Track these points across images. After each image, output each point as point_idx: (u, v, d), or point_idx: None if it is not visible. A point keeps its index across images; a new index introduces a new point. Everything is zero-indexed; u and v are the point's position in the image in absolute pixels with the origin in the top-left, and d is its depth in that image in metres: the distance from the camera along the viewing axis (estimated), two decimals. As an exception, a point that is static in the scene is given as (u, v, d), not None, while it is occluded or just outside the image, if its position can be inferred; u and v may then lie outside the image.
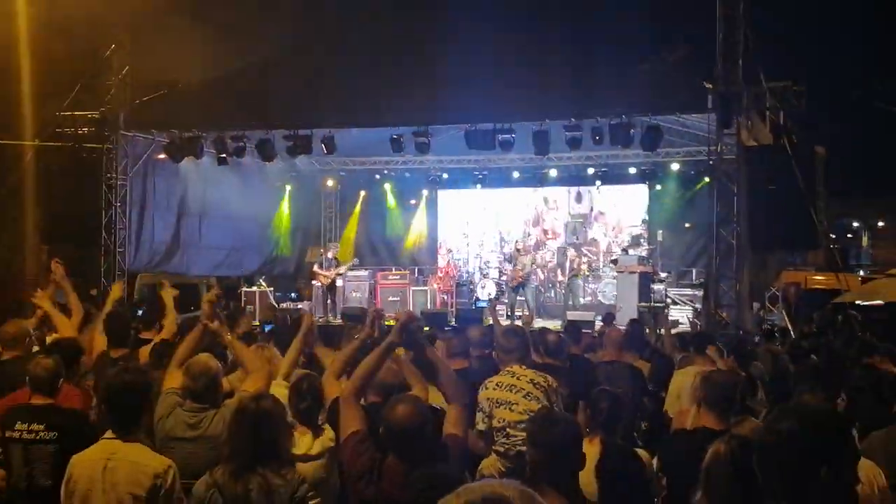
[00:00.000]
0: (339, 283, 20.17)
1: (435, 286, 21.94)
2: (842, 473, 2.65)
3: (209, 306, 6.19)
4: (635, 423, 6.83)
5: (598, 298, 21.32)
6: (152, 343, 7.04)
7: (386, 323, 7.47)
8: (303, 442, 5.10)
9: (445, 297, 21.03)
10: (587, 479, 4.17)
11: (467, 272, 23.29)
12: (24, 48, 21.11)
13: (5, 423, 5.37)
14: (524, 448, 3.95)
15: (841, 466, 2.66)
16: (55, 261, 8.58)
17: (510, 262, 21.00)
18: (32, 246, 21.04)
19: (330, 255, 20.89)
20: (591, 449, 4.52)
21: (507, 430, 5.61)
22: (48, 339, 7.56)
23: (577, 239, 22.48)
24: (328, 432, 5.29)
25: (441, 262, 24.02)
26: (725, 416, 5.02)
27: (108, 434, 4.63)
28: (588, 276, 22.04)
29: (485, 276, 22.83)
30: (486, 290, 21.76)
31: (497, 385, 5.91)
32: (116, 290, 8.89)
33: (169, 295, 7.77)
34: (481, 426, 5.76)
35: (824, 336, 12.31)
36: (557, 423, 3.87)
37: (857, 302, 20.10)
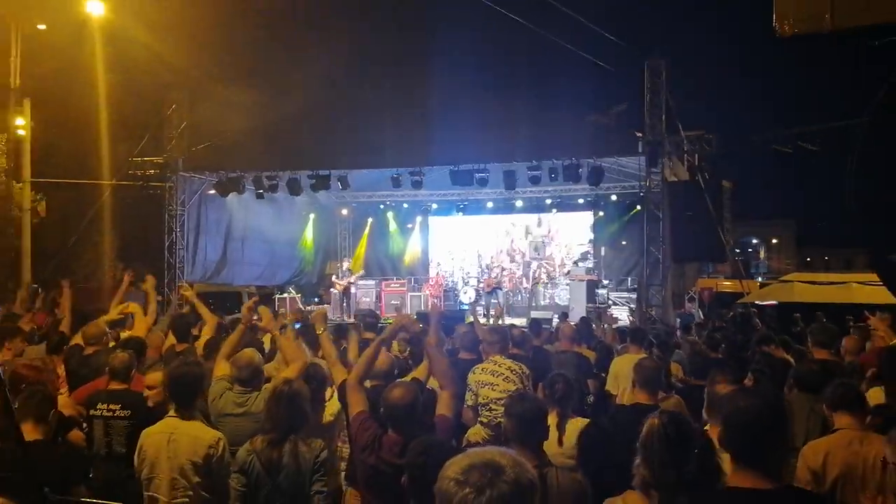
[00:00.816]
0: (352, 289, 20.24)
1: (427, 292, 21.99)
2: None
3: (248, 311, 6.22)
4: (583, 400, 6.85)
5: (555, 301, 21.40)
6: (205, 339, 7.00)
7: (387, 321, 7.56)
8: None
9: (436, 301, 21.10)
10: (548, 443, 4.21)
11: (452, 281, 23.40)
12: (103, 107, 21.06)
13: (89, 403, 5.41)
14: (503, 419, 3.98)
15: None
16: (150, 275, 8.55)
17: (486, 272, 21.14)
18: (109, 263, 20.99)
19: (345, 266, 20.98)
20: (551, 421, 4.56)
21: (490, 405, 5.64)
22: (122, 336, 7.54)
23: (538, 255, 22.57)
24: (329, 408, 5.34)
25: (432, 273, 24.05)
26: (654, 393, 5.10)
27: (171, 413, 4.66)
28: (547, 283, 22.19)
29: (466, 283, 22.95)
30: (467, 295, 21.92)
31: (482, 370, 5.97)
32: (187, 290, 8.62)
33: (193, 296, 7.89)
34: (470, 402, 5.77)
35: (731, 329, 12.37)
36: (528, 401, 3.93)
37: (755, 302, 20.21)
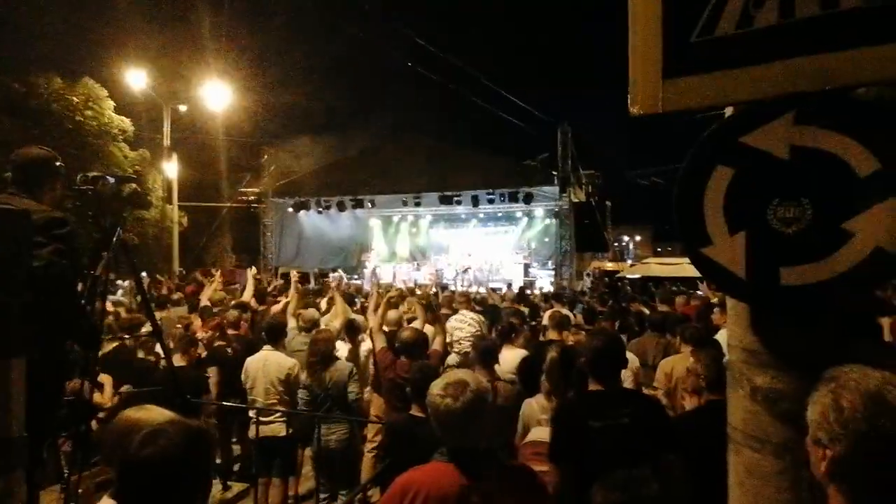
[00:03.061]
0: (377, 269, 20.08)
1: (426, 271, 21.38)
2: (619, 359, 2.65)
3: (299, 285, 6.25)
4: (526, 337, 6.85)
5: (503, 276, 21.02)
6: (282, 303, 6.82)
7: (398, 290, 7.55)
8: (343, 349, 5.07)
9: (432, 276, 20.80)
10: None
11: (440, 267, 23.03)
12: (222, 157, 20.94)
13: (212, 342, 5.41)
14: (469, 350, 3.99)
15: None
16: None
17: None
18: (226, 259, 20.95)
19: (372, 256, 21.09)
20: (507, 352, 4.52)
21: (462, 341, 5.66)
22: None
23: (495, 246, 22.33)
24: (357, 347, 5.22)
25: (429, 262, 23.49)
26: (560, 332, 5.08)
27: (266, 347, 4.65)
28: (499, 267, 21.79)
29: (449, 266, 22.52)
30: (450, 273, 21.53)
31: (455, 319, 5.97)
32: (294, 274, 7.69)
33: (294, 278, 7.61)
34: (447, 339, 5.80)
35: (611, 293, 12.44)
36: (485, 339, 3.96)
37: (626, 276, 20.34)
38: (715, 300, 6.61)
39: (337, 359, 4.38)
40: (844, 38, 1.23)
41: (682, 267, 17.40)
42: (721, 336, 4.65)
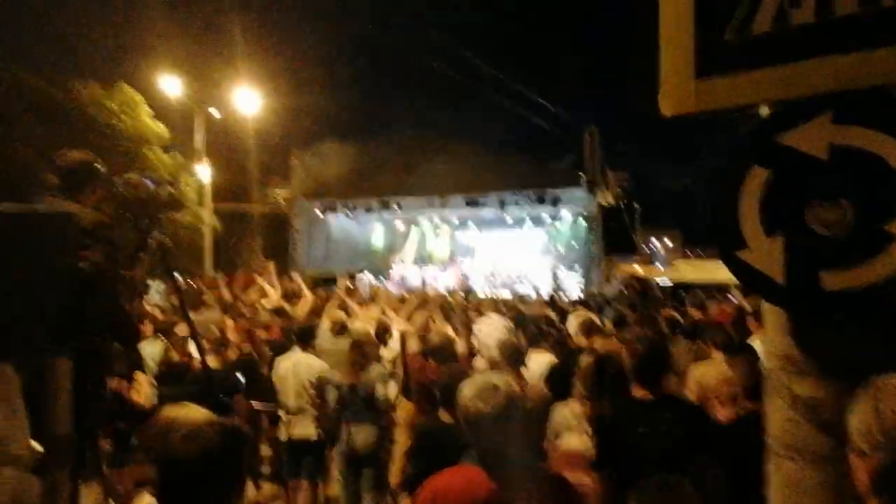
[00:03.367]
0: (404, 272, 20.16)
1: (453, 274, 21.40)
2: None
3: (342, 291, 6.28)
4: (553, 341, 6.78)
5: (534, 281, 20.77)
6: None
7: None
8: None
9: (459, 279, 20.75)
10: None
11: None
12: (253, 161, 21.33)
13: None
14: (495, 354, 3.99)
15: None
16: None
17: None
18: (257, 260, 21.33)
19: (399, 259, 21.20)
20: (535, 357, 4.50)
21: (488, 346, 5.62)
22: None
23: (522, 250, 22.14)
24: (388, 351, 5.24)
25: (454, 265, 23.38)
26: (589, 337, 5.03)
27: (295, 347, 4.71)
28: (526, 271, 21.52)
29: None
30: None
31: (482, 322, 5.93)
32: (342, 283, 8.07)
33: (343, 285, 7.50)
34: (474, 342, 5.78)
35: (641, 298, 12.25)
36: (511, 342, 3.95)
37: (656, 280, 20.00)
38: (748, 307, 6.46)
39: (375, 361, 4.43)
40: (884, 36, 1.20)
41: (714, 271, 17.03)
42: (755, 343, 4.54)
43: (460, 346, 4.30)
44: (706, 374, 4.00)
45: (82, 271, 2.08)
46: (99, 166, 2.62)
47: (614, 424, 2.43)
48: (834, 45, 1.25)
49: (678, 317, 7.32)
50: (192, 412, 1.61)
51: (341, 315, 5.35)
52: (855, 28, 1.23)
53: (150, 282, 8.77)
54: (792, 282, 1.29)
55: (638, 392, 2.52)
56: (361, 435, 4.21)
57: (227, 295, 7.18)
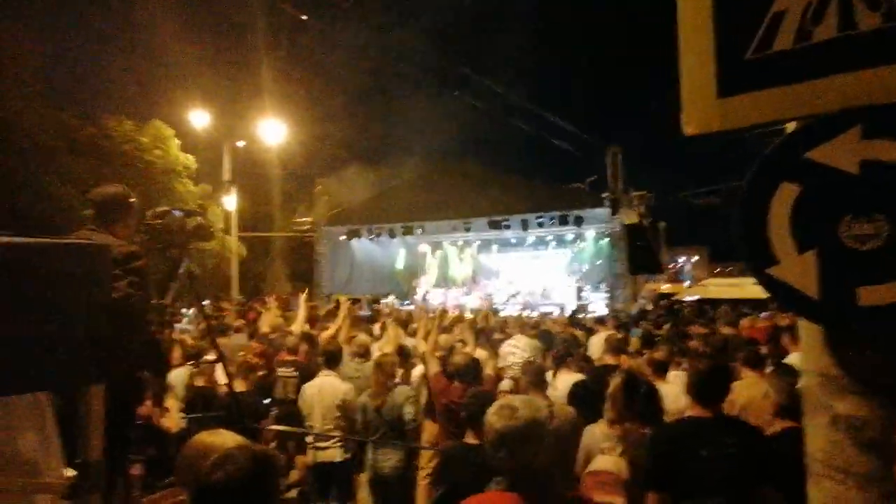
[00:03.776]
0: (427, 295, 20.13)
1: (477, 295, 21.30)
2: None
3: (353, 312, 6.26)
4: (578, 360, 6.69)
5: (555, 299, 20.54)
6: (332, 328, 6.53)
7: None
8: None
9: (484, 300, 20.62)
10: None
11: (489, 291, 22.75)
12: (277, 189, 21.69)
13: (275, 366, 5.49)
14: (520, 377, 3.95)
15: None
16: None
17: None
18: (280, 286, 21.60)
19: (422, 282, 21.23)
20: (563, 377, 4.43)
21: (513, 366, 5.59)
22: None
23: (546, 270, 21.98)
24: (413, 372, 5.20)
25: (478, 287, 23.26)
26: (617, 356, 4.96)
27: (324, 372, 4.71)
28: (550, 291, 21.28)
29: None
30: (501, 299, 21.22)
31: (507, 344, 5.91)
32: (344, 300, 7.53)
33: (344, 303, 7.28)
34: (500, 364, 5.73)
35: (669, 315, 12.04)
36: (535, 366, 3.90)
37: (684, 298, 19.67)
38: (781, 322, 6.30)
39: (397, 384, 4.41)
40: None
41: (742, 288, 16.67)
42: (793, 360, 4.41)
43: (488, 368, 4.25)
44: (739, 392, 3.91)
45: (115, 302, 2.12)
46: (131, 199, 2.71)
47: (674, 445, 2.34)
48: (858, 59, 1.23)
49: (706, 333, 7.18)
50: (225, 438, 1.62)
51: (364, 339, 5.35)
52: (879, 42, 1.21)
53: (183, 310, 8.96)
54: (827, 297, 1.25)
55: (695, 412, 2.44)
56: (388, 458, 4.17)
57: (265, 319, 7.20)
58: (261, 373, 5.36)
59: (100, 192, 2.66)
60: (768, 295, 1.38)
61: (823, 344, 1.35)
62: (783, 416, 2.64)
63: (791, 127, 1.41)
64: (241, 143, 19.62)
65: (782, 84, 1.32)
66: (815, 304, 1.27)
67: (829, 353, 1.34)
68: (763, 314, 8.85)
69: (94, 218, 2.60)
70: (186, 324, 7.85)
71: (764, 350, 5.30)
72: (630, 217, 16.42)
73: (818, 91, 1.28)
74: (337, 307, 7.23)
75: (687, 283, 29.58)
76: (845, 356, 1.31)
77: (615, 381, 2.94)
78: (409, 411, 4.21)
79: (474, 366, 4.05)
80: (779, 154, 1.34)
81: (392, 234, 18.71)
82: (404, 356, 5.25)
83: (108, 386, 1.49)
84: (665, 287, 24.64)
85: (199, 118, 17.98)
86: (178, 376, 5.06)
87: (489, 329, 6.77)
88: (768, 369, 4.05)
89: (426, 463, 4.59)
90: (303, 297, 7.48)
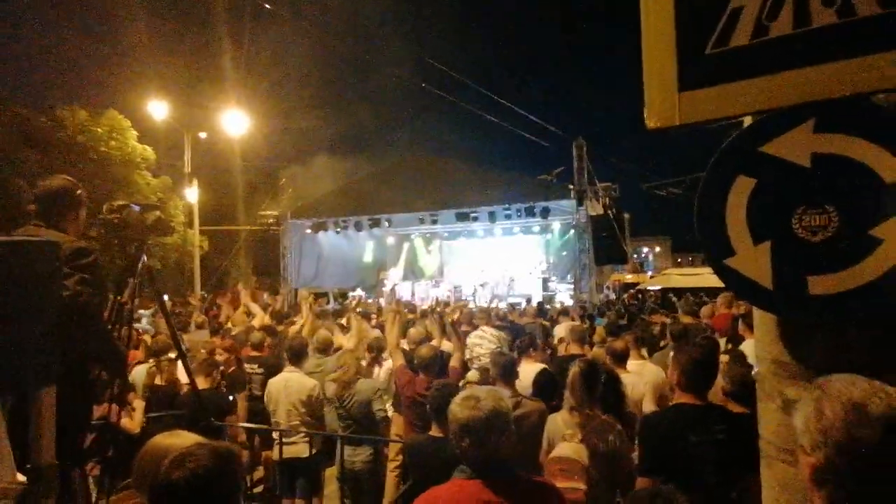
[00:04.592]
0: (395, 287, 19.96)
1: (444, 288, 21.36)
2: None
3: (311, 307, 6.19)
4: (541, 350, 6.76)
5: (523, 290, 20.82)
6: (297, 324, 6.60)
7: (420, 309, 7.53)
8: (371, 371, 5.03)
9: (449, 294, 20.71)
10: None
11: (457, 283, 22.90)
12: (240, 181, 21.22)
13: (245, 363, 5.42)
14: (489, 366, 3.94)
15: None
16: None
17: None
18: (247, 279, 21.17)
19: (390, 274, 21.13)
20: (525, 366, 4.46)
21: (482, 357, 5.59)
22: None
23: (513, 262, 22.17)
24: (384, 366, 5.18)
25: (445, 276, 23.41)
26: (582, 346, 5.03)
27: (288, 367, 4.64)
28: (517, 282, 21.54)
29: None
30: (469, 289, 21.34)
31: (474, 335, 5.90)
32: (305, 294, 7.59)
33: (306, 298, 7.13)
34: (468, 356, 5.73)
35: (633, 304, 12.30)
36: (504, 355, 3.90)
37: (647, 287, 20.10)
38: (736, 311, 6.50)
39: (358, 378, 4.37)
40: (862, 45, 1.21)
41: (704, 277, 17.15)
42: (747, 347, 4.56)
43: (454, 360, 4.25)
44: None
45: (65, 300, 2.03)
46: (79, 192, 2.54)
47: (664, 432, 2.37)
48: (812, 55, 1.26)
49: (668, 321, 7.34)
50: (185, 439, 1.58)
51: (325, 334, 5.29)
52: (833, 38, 1.24)
53: (144, 311, 8.69)
54: (779, 287, 1.29)
55: (684, 399, 2.46)
56: (358, 453, 4.15)
57: (223, 314, 7.05)
58: (231, 368, 5.26)
59: (45, 186, 2.46)
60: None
61: (776, 332, 1.39)
62: (735, 402, 2.71)
63: (749, 121, 1.45)
64: (202, 135, 19.10)
65: (740, 79, 1.35)
66: (769, 294, 1.31)
67: (782, 342, 1.38)
68: (717, 300, 9.02)
69: (40, 213, 2.43)
70: (147, 323, 7.61)
71: (723, 339, 5.47)
72: (595, 208, 16.69)
73: (774, 86, 1.31)
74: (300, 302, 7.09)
75: (650, 274, 30.26)
76: (797, 344, 1.35)
77: (573, 370, 2.97)
78: (378, 407, 4.18)
79: (439, 358, 4.04)
80: (735, 148, 1.37)
81: (359, 227, 18.52)
82: (374, 350, 5.23)
83: (59, 387, 1.43)
84: (629, 277, 25.17)
85: (158, 108, 17.40)
86: (138, 375, 4.91)
87: (457, 321, 6.77)
88: (724, 358, 4.16)
89: (395, 456, 4.60)
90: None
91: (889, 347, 1.30)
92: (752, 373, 2.52)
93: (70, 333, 1.69)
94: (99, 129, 17.81)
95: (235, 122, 18.16)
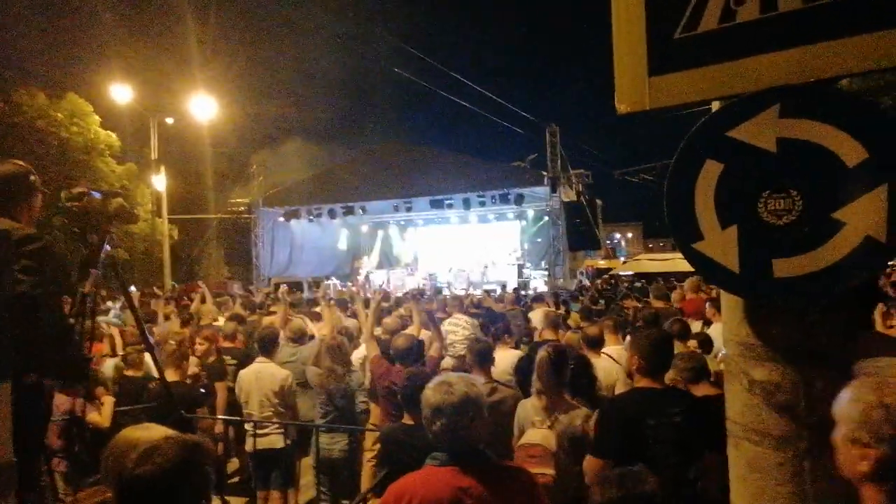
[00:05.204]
0: (370, 276, 19.90)
1: (418, 276, 21.30)
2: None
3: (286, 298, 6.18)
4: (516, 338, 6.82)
5: (498, 277, 20.86)
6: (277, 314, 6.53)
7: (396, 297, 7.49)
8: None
9: (424, 282, 20.70)
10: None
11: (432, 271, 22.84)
12: (210, 169, 20.76)
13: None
14: (464, 353, 3.95)
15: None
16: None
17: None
18: (218, 269, 20.80)
19: (365, 262, 21.01)
20: (500, 353, 4.48)
21: (455, 344, 5.61)
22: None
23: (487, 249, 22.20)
24: (354, 354, 5.11)
25: (419, 266, 23.33)
26: (556, 332, 5.07)
27: (259, 358, 4.59)
28: (492, 269, 21.56)
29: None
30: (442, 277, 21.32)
31: (448, 323, 5.92)
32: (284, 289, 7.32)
33: (285, 295, 6.83)
34: (443, 343, 5.73)
35: (606, 289, 12.47)
36: (480, 342, 3.92)
37: (619, 273, 20.40)
38: (704, 295, 6.64)
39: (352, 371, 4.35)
40: (826, 30, 1.23)
41: (675, 262, 17.48)
42: (715, 330, 4.66)
43: (433, 349, 4.25)
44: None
45: (17, 291, 1.93)
46: (32, 178, 2.41)
47: (622, 414, 2.42)
48: (779, 40, 1.28)
49: (639, 306, 7.47)
50: (153, 432, 1.54)
51: (299, 324, 5.24)
52: (798, 23, 1.26)
53: (111, 303, 8.46)
54: (746, 270, 1.31)
55: (643, 383, 2.51)
56: (336, 442, 4.14)
57: (194, 305, 6.94)
58: (211, 358, 5.18)
59: None
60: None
61: (743, 315, 1.42)
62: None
63: (718, 106, 1.46)
64: (169, 120, 18.59)
65: (708, 63, 1.36)
66: (736, 277, 1.33)
67: (748, 324, 1.41)
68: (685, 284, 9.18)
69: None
70: (114, 316, 7.40)
71: (698, 322, 5.58)
72: (569, 195, 16.82)
73: (741, 71, 1.32)
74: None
75: (622, 259, 30.71)
76: (762, 326, 1.38)
77: (541, 354, 2.99)
78: (362, 399, 4.17)
79: (416, 347, 4.03)
80: (703, 133, 1.38)
81: (332, 215, 18.33)
82: (347, 337, 5.18)
83: (14, 383, 1.38)
84: (602, 263, 25.49)
85: (121, 92, 16.85)
86: (107, 368, 4.80)
87: (432, 309, 6.77)
88: (692, 342, 4.26)
89: (371, 445, 4.59)
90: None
91: (852, 329, 1.34)
92: (720, 354, 2.58)
93: (25, 326, 1.62)
94: (59, 115, 17.20)
95: (203, 106, 17.72)
